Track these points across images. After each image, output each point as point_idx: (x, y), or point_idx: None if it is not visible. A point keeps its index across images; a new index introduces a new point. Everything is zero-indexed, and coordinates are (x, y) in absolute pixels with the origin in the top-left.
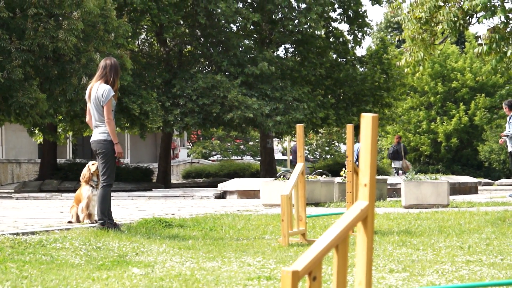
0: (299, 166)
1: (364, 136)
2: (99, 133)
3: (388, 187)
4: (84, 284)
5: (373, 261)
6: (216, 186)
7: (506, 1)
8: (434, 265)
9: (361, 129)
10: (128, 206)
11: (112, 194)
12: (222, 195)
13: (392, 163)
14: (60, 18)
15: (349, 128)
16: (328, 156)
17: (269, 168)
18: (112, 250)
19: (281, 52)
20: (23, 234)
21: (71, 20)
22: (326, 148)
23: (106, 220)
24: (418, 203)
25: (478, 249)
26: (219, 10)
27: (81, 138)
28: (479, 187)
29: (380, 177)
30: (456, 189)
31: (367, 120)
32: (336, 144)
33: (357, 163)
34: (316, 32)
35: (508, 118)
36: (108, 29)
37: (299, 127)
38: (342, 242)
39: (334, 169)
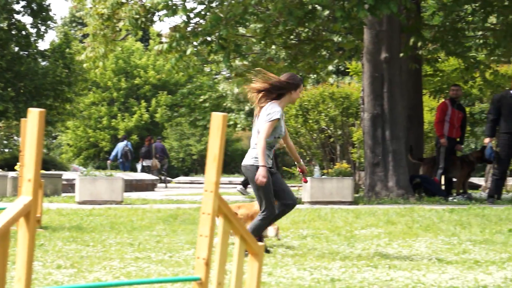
0: None
1: (30, 131)
2: (249, 156)
3: (64, 182)
4: None
5: (42, 257)
6: None
7: (187, 1)
8: (102, 261)
9: (28, 123)
10: None
11: None
12: None
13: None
14: None
15: (24, 122)
16: (6, 150)
17: None
18: None
19: None
20: None
21: None
22: (5, 142)
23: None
24: (93, 199)
25: (148, 246)
26: None
27: None
28: (158, 185)
29: (55, 172)
30: (133, 186)
31: (33, 115)
32: (15, 138)
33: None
34: None
35: None
36: None
37: None
38: (2, 238)
39: (12, 163)
